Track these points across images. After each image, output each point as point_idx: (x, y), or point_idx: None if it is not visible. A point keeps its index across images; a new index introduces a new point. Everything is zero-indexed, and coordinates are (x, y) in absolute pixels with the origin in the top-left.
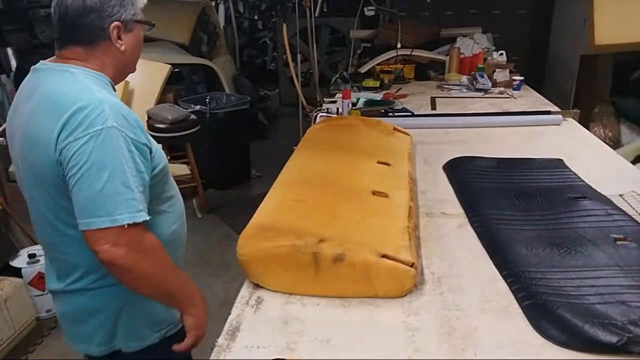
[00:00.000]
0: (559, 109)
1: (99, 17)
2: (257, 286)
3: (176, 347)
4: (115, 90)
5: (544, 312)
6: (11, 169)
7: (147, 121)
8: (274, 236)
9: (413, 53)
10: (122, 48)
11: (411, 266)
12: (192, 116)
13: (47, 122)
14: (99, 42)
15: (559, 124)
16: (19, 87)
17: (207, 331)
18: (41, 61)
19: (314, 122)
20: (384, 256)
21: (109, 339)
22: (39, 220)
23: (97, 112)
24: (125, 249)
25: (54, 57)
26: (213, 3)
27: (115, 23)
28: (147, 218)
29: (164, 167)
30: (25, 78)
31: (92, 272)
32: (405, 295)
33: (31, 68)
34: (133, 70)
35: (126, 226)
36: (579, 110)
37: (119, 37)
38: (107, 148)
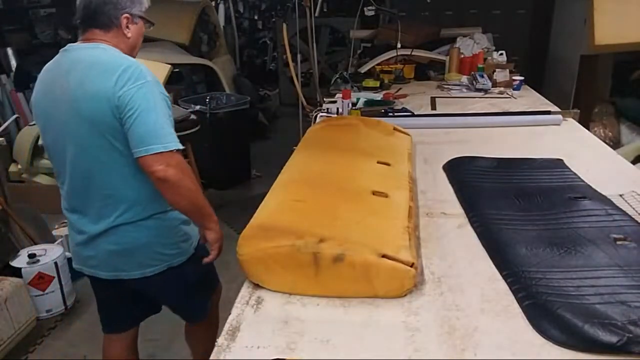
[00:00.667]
0: (559, 109)
1: (114, 8)
2: (257, 286)
3: (206, 260)
4: None
5: (544, 312)
6: (12, 168)
7: None
8: (274, 236)
9: (413, 53)
10: (129, 35)
11: (411, 266)
12: (192, 116)
13: (102, 80)
14: (112, 28)
15: (559, 124)
16: (49, 67)
17: None
18: (69, 44)
19: (314, 122)
20: (384, 256)
21: (160, 259)
22: (90, 168)
23: (138, 71)
24: (174, 168)
25: (79, 41)
26: (213, 3)
27: (126, 14)
28: (179, 147)
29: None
30: (55, 59)
31: (136, 205)
32: (405, 295)
33: (60, 50)
34: (134, 56)
35: (174, 151)
36: (579, 110)
37: (127, 26)
38: (152, 95)
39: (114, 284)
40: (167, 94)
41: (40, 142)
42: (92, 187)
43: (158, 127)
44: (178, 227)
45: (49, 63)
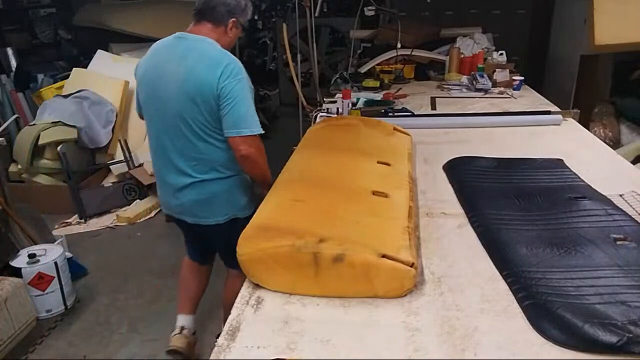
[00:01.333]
0: (559, 109)
1: (228, 11)
2: (257, 286)
3: None
4: None
5: (544, 312)
6: (12, 168)
7: None
8: (274, 236)
9: (413, 53)
10: (230, 35)
11: (411, 266)
12: None
13: (209, 71)
14: (220, 26)
15: (559, 124)
16: (162, 48)
17: (207, 331)
18: (180, 32)
19: (314, 122)
20: (384, 256)
21: (231, 210)
22: (187, 136)
23: (238, 67)
24: (255, 149)
25: (190, 28)
26: None
27: (233, 19)
28: (263, 132)
29: None
30: (169, 42)
31: (221, 167)
32: (406, 295)
33: (175, 35)
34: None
35: (257, 135)
36: (579, 110)
37: (231, 29)
38: (245, 89)
39: (194, 227)
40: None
41: (40, 142)
42: (186, 150)
43: (248, 116)
44: (247, 188)
45: (161, 43)
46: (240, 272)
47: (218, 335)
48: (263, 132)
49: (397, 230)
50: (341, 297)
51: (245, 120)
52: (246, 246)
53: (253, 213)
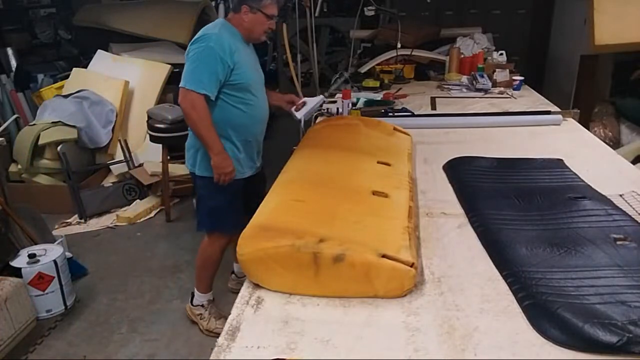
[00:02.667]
0: (559, 109)
1: (239, 1)
2: (257, 286)
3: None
4: (248, 44)
5: (544, 312)
6: (12, 168)
7: (147, 121)
8: (274, 236)
9: (413, 53)
10: (246, 20)
11: (411, 266)
12: None
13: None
14: (236, 12)
15: (559, 124)
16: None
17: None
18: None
19: (314, 122)
20: (384, 256)
21: (189, 162)
22: None
23: (206, 37)
24: (188, 103)
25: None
26: (213, 3)
27: (245, 6)
28: (204, 92)
29: (243, 84)
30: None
31: None
32: (406, 295)
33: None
34: (256, 38)
35: (194, 92)
36: (579, 110)
37: (245, 14)
38: (199, 53)
39: None
40: (229, 61)
41: (40, 142)
42: None
43: (190, 73)
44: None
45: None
46: (206, 237)
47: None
48: (198, 91)
49: (397, 230)
50: (341, 297)
51: (186, 76)
52: (246, 246)
53: (209, 177)
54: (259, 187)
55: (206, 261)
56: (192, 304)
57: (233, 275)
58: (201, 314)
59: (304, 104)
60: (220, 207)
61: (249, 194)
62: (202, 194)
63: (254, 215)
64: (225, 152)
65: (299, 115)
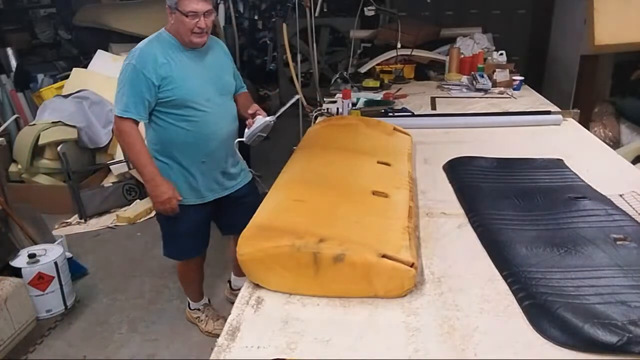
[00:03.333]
0: (559, 109)
1: (166, 2)
2: (257, 286)
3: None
4: (199, 51)
5: (544, 312)
6: (12, 168)
7: None
8: (274, 236)
9: (413, 53)
10: (172, 22)
11: (411, 266)
12: None
13: None
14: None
15: (559, 124)
16: None
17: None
18: None
19: (314, 122)
20: (384, 256)
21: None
22: None
23: (130, 55)
24: (116, 128)
25: None
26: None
27: (167, 9)
28: (128, 116)
29: (178, 99)
30: None
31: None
32: (406, 295)
33: None
34: (188, 41)
35: (121, 117)
36: (579, 110)
37: (170, 17)
38: (124, 74)
39: None
40: (154, 79)
41: (40, 142)
42: None
43: (116, 97)
44: (170, 175)
45: None
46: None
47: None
48: (124, 116)
49: (397, 231)
50: (341, 297)
51: (115, 100)
52: (246, 246)
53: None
54: (245, 205)
55: (185, 279)
56: (189, 308)
57: (229, 284)
58: (198, 317)
59: (254, 123)
60: (179, 235)
61: (230, 214)
62: (159, 219)
63: (254, 215)
64: (158, 179)
65: (245, 135)
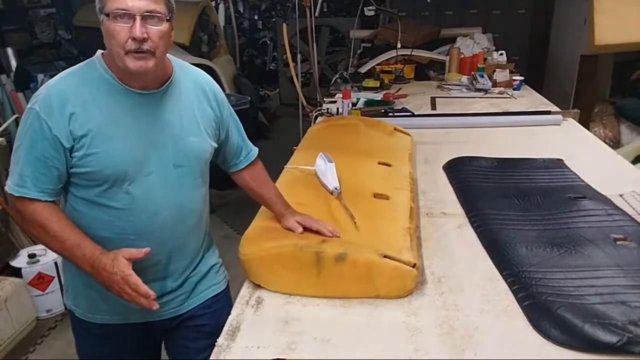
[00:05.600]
0: (559, 109)
1: None
2: (257, 286)
3: None
4: (131, 89)
5: (544, 312)
6: None
7: None
8: (276, 236)
9: (413, 53)
10: (105, 38)
11: (413, 266)
12: None
13: None
14: None
15: (559, 124)
16: None
17: None
18: None
19: (314, 122)
20: (385, 256)
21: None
22: None
23: (37, 93)
24: (15, 211)
25: None
26: (213, 3)
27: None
28: (23, 195)
29: (96, 173)
30: None
31: None
32: (407, 295)
33: None
34: (122, 67)
35: (12, 195)
36: (579, 110)
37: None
38: (21, 126)
39: None
40: (63, 136)
41: None
42: None
43: (12, 159)
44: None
45: None
46: None
47: None
48: (16, 194)
49: (399, 232)
50: (342, 298)
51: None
52: (249, 246)
53: (72, 310)
54: (200, 332)
55: None
56: None
57: None
58: None
59: None
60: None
61: (177, 339)
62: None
63: (256, 216)
64: (92, 257)
65: None
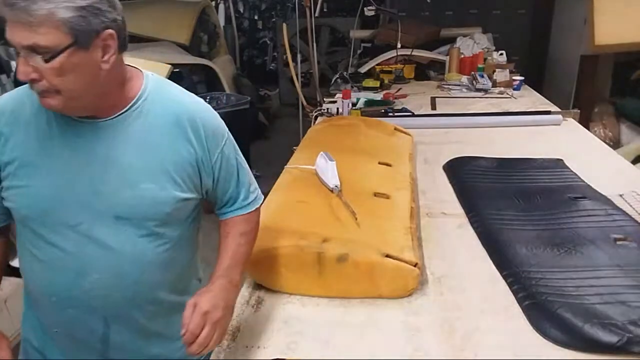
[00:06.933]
0: (559, 109)
1: None
2: (257, 286)
3: None
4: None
5: (544, 312)
6: None
7: None
8: (277, 237)
9: (413, 53)
10: None
11: (415, 266)
12: None
13: None
14: None
15: (559, 124)
16: None
17: None
18: None
19: (314, 122)
20: (387, 256)
21: None
22: None
23: None
24: None
25: None
26: (213, 3)
27: None
28: None
29: (17, 212)
30: None
31: None
32: (409, 295)
33: None
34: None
35: None
36: (579, 110)
37: None
38: None
39: None
40: (2, 159)
41: None
42: None
43: None
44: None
45: None
46: None
47: None
48: None
49: (400, 231)
50: (343, 298)
51: None
52: None
53: None
54: None
55: None
56: None
57: None
58: None
59: None
60: None
61: None
62: None
63: None
64: None
65: None
